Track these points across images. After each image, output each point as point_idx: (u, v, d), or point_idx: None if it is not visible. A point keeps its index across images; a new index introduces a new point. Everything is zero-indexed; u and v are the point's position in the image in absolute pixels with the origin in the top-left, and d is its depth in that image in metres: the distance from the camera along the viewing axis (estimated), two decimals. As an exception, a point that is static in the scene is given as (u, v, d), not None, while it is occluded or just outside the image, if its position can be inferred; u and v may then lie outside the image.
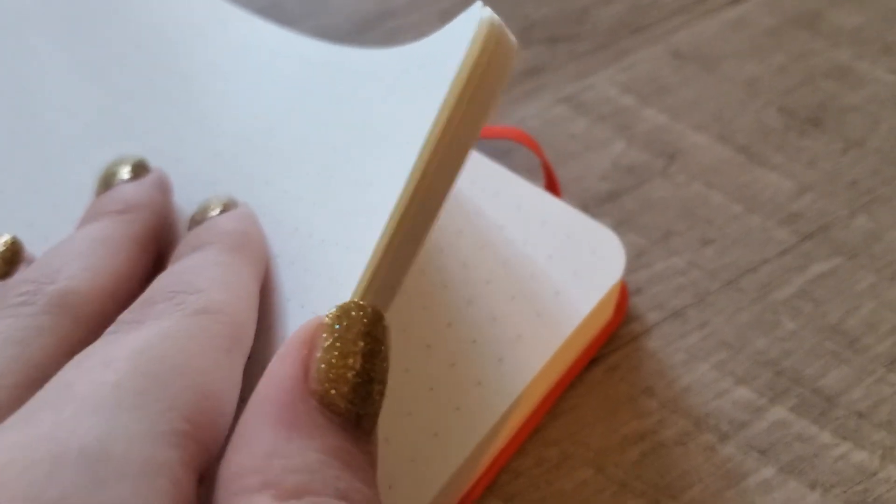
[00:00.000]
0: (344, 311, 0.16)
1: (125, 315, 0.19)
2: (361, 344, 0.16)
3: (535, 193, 0.25)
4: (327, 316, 0.16)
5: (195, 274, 0.20)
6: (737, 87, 0.34)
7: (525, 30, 0.36)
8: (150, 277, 0.23)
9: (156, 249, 0.23)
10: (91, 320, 0.20)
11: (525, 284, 0.24)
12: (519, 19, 0.37)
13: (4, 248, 0.22)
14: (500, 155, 0.31)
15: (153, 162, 0.25)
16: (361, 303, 0.16)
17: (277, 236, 0.24)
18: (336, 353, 0.16)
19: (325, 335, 0.16)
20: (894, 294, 0.28)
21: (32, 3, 0.32)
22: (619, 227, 0.30)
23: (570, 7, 0.37)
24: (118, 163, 0.25)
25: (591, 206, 0.30)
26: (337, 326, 0.16)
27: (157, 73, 0.29)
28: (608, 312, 0.26)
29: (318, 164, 0.25)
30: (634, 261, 0.29)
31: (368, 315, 0.16)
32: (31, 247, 0.23)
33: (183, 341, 0.17)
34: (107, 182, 0.24)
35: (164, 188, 0.25)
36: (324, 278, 0.23)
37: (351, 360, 0.16)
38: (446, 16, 0.36)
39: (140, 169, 0.24)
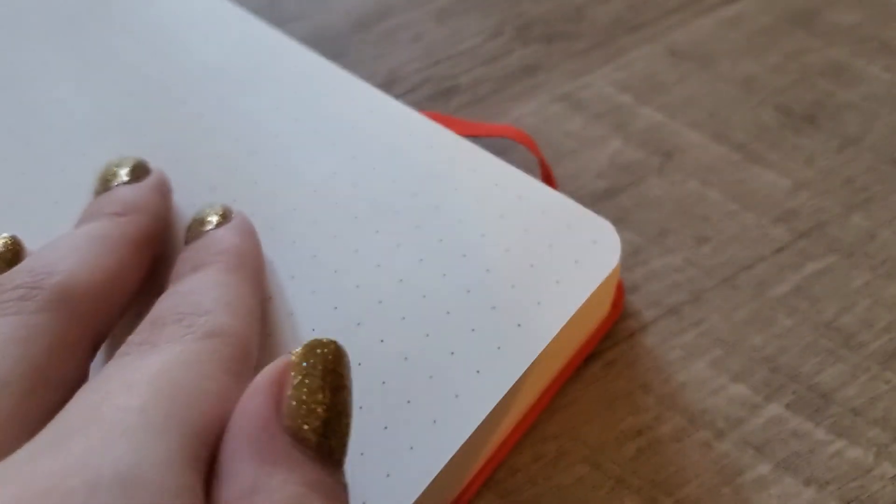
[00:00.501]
0: (310, 349, 0.17)
1: (135, 336, 0.19)
2: (329, 380, 0.17)
3: (533, 185, 0.26)
4: (294, 354, 0.17)
5: (201, 294, 0.20)
6: (733, 85, 0.34)
7: (522, 28, 0.36)
8: (145, 281, 0.23)
9: (152, 253, 0.23)
10: (87, 316, 0.20)
11: (525, 273, 0.24)
12: (516, 17, 0.37)
13: (4, 248, 0.22)
14: (498, 153, 0.32)
15: (151, 161, 0.25)
16: (325, 340, 0.17)
17: (277, 247, 0.25)
18: (305, 389, 0.16)
19: (293, 373, 0.17)
20: (889, 292, 0.28)
21: (31, 1, 0.32)
22: (616, 224, 0.30)
23: (567, 5, 0.37)
24: (118, 163, 0.25)
25: (588, 203, 0.30)
26: (304, 364, 0.17)
27: (156, 71, 0.29)
28: (605, 307, 0.26)
29: (330, 191, 0.26)
30: (631, 258, 0.29)
31: (333, 352, 0.17)
32: (32, 243, 0.23)
33: (197, 366, 0.17)
34: (106, 182, 0.24)
35: (163, 192, 0.25)
36: (328, 305, 0.23)
37: (320, 396, 0.16)
38: (443, 14, 0.37)
39: (140, 170, 0.24)
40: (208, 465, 0.16)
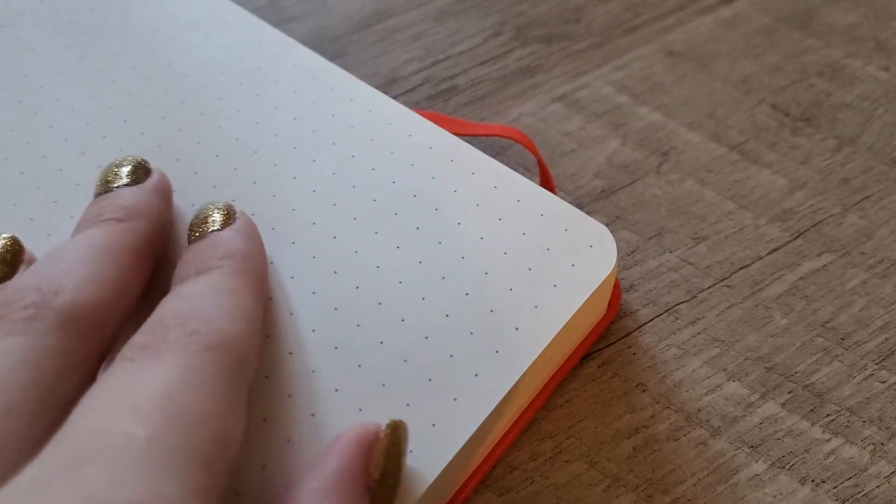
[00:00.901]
0: (395, 428, 0.20)
1: (137, 338, 0.19)
2: (402, 455, 0.20)
3: (532, 188, 0.26)
4: (384, 430, 0.20)
5: (204, 300, 0.20)
6: (730, 85, 0.34)
7: (521, 28, 0.36)
8: (147, 286, 0.23)
9: (153, 258, 0.23)
10: (95, 333, 0.20)
11: (523, 276, 0.24)
12: (515, 17, 0.37)
13: (4, 249, 0.22)
14: (497, 153, 0.32)
15: (151, 160, 0.25)
16: (403, 422, 0.21)
17: (277, 247, 0.25)
18: (388, 460, 0.20)
19: (379, 444, 0.20)
20: (885, 291, 0.28)
21: (32, 1, 0.32)
22: (613, 224, 0.30)
23: (566, 6, 0.37)
24: (119, 163, 0.24)
25: (586, 203, 0.30)
26: (390, 439, 0.20)
27: (156, 70, 0.29)
28: (601, 308, 0.26)
29: (330, 191, 0.26)
30: (627, 257, 0.29)
31: (406, 433, 0.21)
32: (32, 242, 0.23)
33: (200, 386, 0.18)
34: (106, 183, 0.24)
35: (164, 194, 0.24)
36: (328, 306, 0.24)
37: (395, 467, 0.20)
38: (442, 15, 0.37)
39: (141, 171, 0.24)
40: (212, 490, 0.16)
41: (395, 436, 0.20)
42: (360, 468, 0.20)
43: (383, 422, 0.21)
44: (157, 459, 0.16)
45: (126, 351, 0.18)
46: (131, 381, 0.17)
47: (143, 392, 0.17)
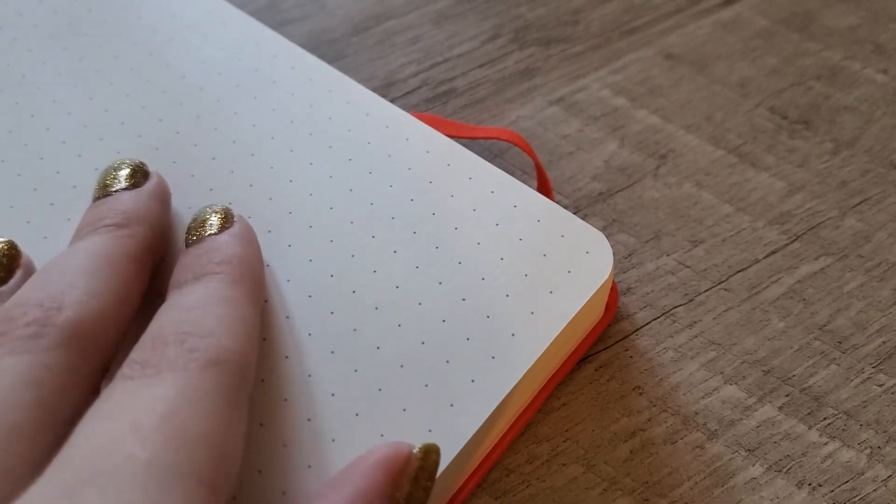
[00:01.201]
0: (428, 452, 0.20)
1: (136, 353, 0.19)
2: (432, 482, 0.20)
3: (529, 194, 0.26)
4: (415, 452, 0.20)
5: (203, 311, 0.20)
6: (728, 88, 0.34)
7: (519, 31, 0.36)
8: (145, 292, 0.23)
9: (152, 263, 0.23)
10: (98, 347, 0.20)
11: (519, 282, 0.24)
12: (513, 20, 0.37)
13: (0, 253, 0.22)
14: (495, 156, 0.32)
15: (148, 162, 0.25)
16: (436, 446, 0.20)
17: (273, 249, 0.25)
18: (416, 485, 0.20)
19: (411, 468, 0.20)
20: (883, 294, 0.28)
21: (30, 1, 0.32)
22: (610, 226, 0.30)
23: (564, 8, 0.37)
24: (117, 167, 0.24)
25: (583, 205, 0.30)
26: (422, 464, 0.20)
27: (154, 72, 0.29)
28: (598, 311, 0.26)
29: (326, 194, 0.26)
30: (625, 260, 0.29)
31: (438, 460, 0.20)
32: (29, 244, 0.24)
33: (200, 403, 0.18)
34: (105, 187, 0.24)
35: (162, 198, 0.24)
36: (324, 310, 0.23)
37: (422, 493, 0.20)
38: (441, 17, 0.37)
39: (139, 175, 0.24)
40: None
41: (427, 461, 0.20)
42: (384, 491, 0.19)
43: (417, 443, 0.20)
44: (158, 479, 0.16)
45: (126, 368, 0.18)
46: (132, 399, 0.17)
47: (144, 412, 0.17)
